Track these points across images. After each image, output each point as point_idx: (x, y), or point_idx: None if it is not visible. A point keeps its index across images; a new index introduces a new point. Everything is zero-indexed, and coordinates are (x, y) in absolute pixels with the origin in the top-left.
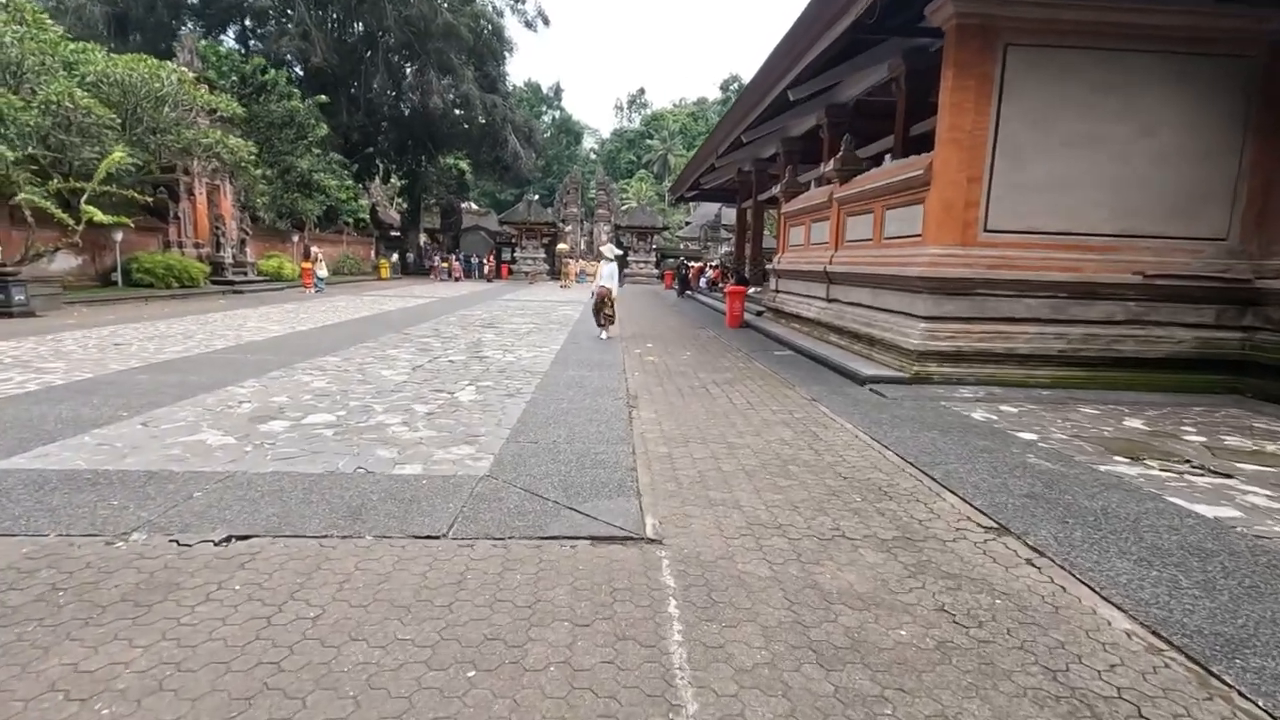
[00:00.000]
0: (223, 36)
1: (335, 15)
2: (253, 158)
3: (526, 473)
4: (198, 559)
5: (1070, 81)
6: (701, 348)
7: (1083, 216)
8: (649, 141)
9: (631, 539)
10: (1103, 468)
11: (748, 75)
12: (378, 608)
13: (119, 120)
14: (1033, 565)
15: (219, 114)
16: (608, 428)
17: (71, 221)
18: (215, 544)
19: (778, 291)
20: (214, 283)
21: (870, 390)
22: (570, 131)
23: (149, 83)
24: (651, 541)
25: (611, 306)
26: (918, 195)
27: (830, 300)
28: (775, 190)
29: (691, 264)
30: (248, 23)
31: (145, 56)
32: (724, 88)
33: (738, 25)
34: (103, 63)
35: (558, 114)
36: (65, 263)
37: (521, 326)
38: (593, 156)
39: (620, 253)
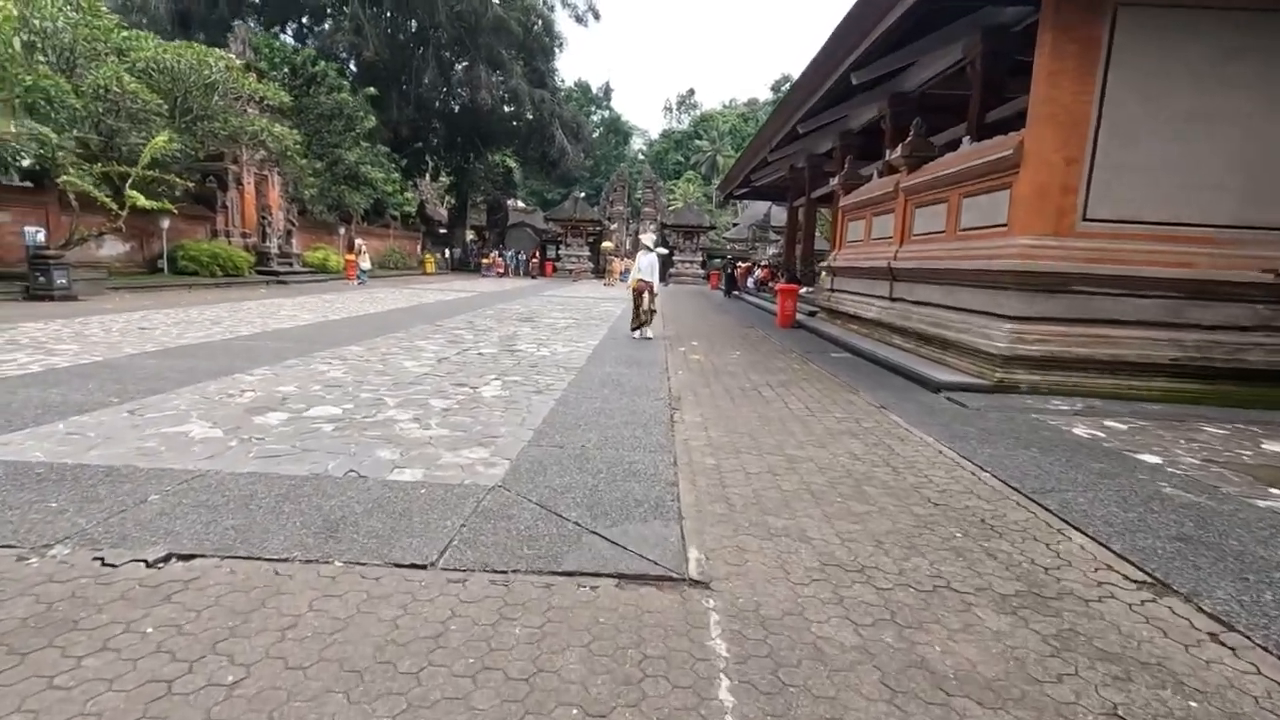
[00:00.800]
0: (282, 34)
1: (388, 11)
2: (298, 146)
3: (546, 484)
4: (117, 585)
5: (1192, 46)
6: (751, 347)
7: (1201, 204)
8: (697, 142)
9: (670, 579)
10: (1261, 503)
11: (799, 75)
12: (321, 673)
13: (167, 107)
14: (1222, 644)
15: (266, 102)
16: (645, 432)
17: (115, 206)
18: (148, 564)
19: (833, 290)
20: (259, 273)
21: (946, 399)
22: (619, 131)
23: (197, 70)
24: (696, 584)
25: (651, 302)
26: (1003, 180)
27: (894, 299)
28: (833, 184)
29: (739, 264)
30: (304, 20)
31: (193, 44)
32: (775, 88)
33: (790, 25)
34: (152, 49)
35: (606, 114)
36: (113, 248)
37: (560, 321)
38: (640, 157)
39: (665, 250)
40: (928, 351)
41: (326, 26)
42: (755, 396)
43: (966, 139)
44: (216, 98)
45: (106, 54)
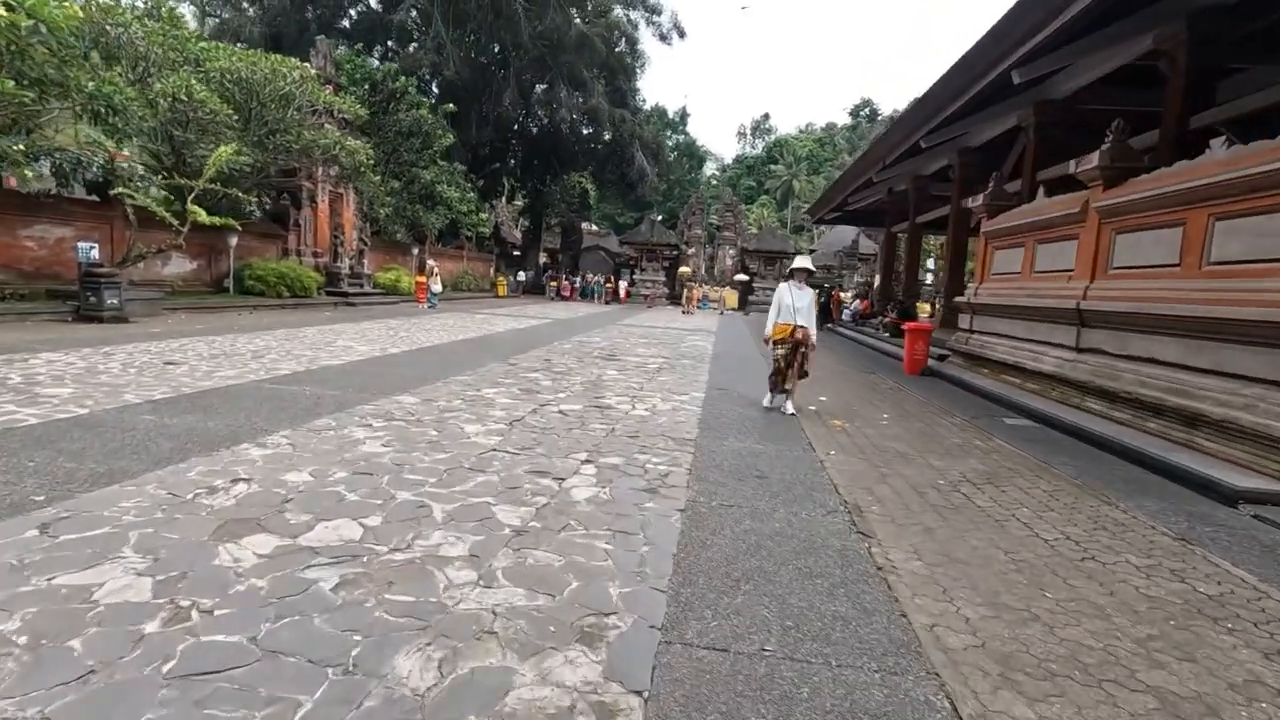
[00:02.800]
0: (369, 58)
1: (471, 32)
2: (371, 161)
3: None
4: None
5: None
6: (897, 406)
7: None
8: (772, 167)
9: None
10: None
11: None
12: None
13: (239, 119)
14: None
15: (342, 116)
16: (850, 601)
17: (176, 222)
18: None
19: (972, 331)
20: (328, 293)
21: (1255, 517)
22: (693, 156)
23: (271, 80)
24: None
25: (807, 362)
26: None
27: (1083, 350)
28: (971, 204)
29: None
30: (390, 43)
31: (268, 54)
32: (854, 113)
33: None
34: (224, 59)
35: (682, 138)
36: (179, 266)
37: (649, 360)
38: (713, 182)
39: (745, 277)
40: (1157, 426)
41: (411, 49)
42: (968, 507)
43: (1217, 143)
44: (292, 111)
45: (181, 64)
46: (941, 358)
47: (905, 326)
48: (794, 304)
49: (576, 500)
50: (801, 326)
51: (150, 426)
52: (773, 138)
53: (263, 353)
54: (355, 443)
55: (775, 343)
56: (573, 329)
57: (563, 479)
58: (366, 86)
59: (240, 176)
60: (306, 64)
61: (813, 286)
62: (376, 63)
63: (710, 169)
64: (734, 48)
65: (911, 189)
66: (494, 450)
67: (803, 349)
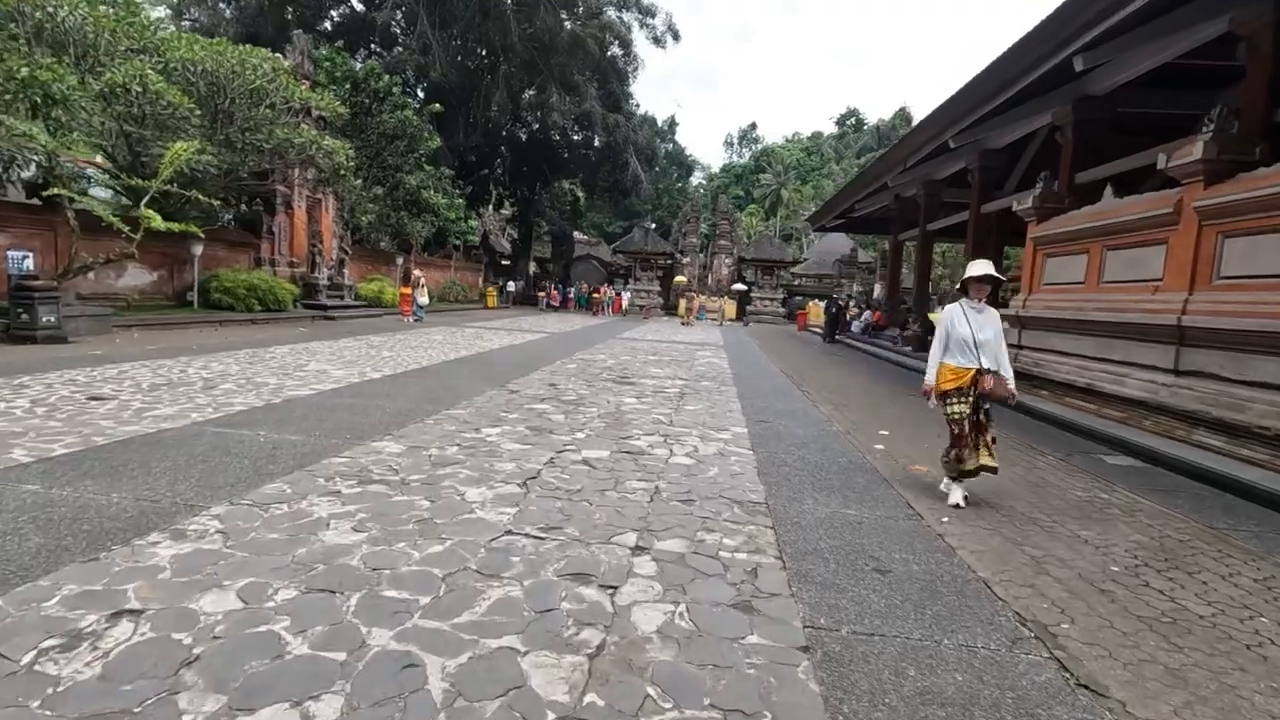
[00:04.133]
0: (351, 59)
1: (458, 35)
2: (352, 163)
3: None
4: None
5: None
6: None
7: None
8: (761, 176)
9: None
10: None
11: (866, 109)
12: None
13: (202, 114)
14: None
15: (319, 114)
16: None
17: (127, 228)
18: None
19: (1020, 347)
20: (305, 306)
21: None
22: (682, 165)
23: (240, 74)
24: None
25: (989, 427)
26: None
27: (1184, 373)
28: (1017, 207)
29: (843, 302)
30: (375, 46)
31: (236, 44)
32: (840, 122)
33: (854, 61)
34: (187, 49)
35: (670, 146)
36: (136, 278)
37: (666, 384)
38: (701, 191)
39: (743, 287)
40: None
41: (396, 51)
42: (1185, 617)
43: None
44: (264, 108)
45: (138, 54)
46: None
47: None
48: (973, 334)
49: (644, 635)
50: (990, 372)
51: (23, 506)
52: (760, 147)
53: (217, 381)
54: (315, 526)
55: (948, 397)
56: (572, 344)
57: (614, 588)
58: (348, 86)
59: (206, 179)
60: (279, 55)
61: (819, 298)
62: (359, 65)
63: (697, 178)
64: (720, 58)
65: (922, 194)
66: (509, 534)
67: (987, 405)
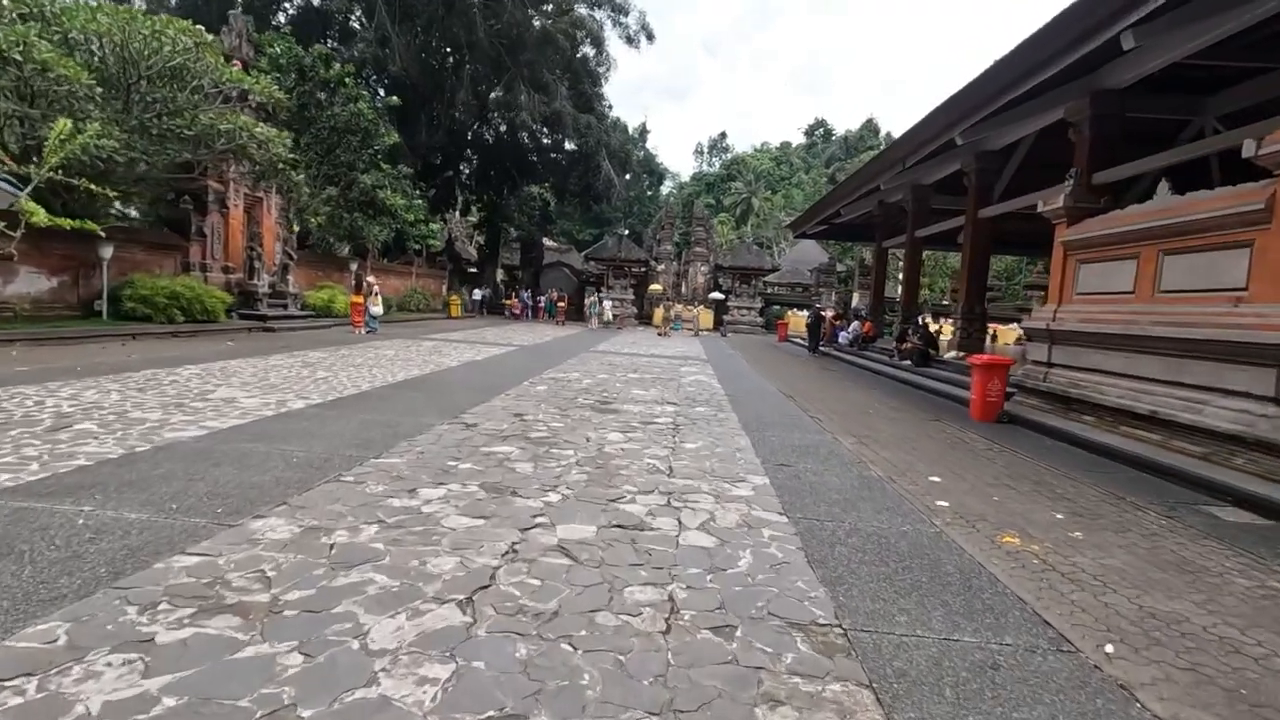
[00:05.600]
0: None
1: (420, 29)
2: (292, 157)
3: None
4: None
5: None
6: (1041, 488)
7: None
8: (732, 184)
9: None
10: None
11: (834, 119)
12: None
13: (116, 96)
14: None
15: (256, 100)
16: None
17: (2, 225)
18: None
19: (1050, 365)
20: (242, 316)
21: None
22: (653, 173)
23: (156, 48)
24: None
25: None
26: None
27: None
28: (1043, 208)
29: (828, 313)
30: (332, 43)
31: (149, 14)
32: (809, 133)
33: (821, 73)
34: (85, 16)
35: (641, 154)
36: (29, 284)
37: (655, 410)
38: (671, 199)
39: (721, 295)
40: None
41: (354, 44)
42: None
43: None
44: (188, 92)
45: (25, 19)
46: (1008, 395)
47: (973, 360)
48: None
49: None
50: None
51: None
52: (730, 156)
53: (75, 418)
54: None
55: None
56: (542, 358)
57: None
58: (294, 75)
59: (115, 169)
60: (201, 28)
61: (798, 307)
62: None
63: (668, 186)
64: (687, 71)
65: (910, 199)
66: None
67: None
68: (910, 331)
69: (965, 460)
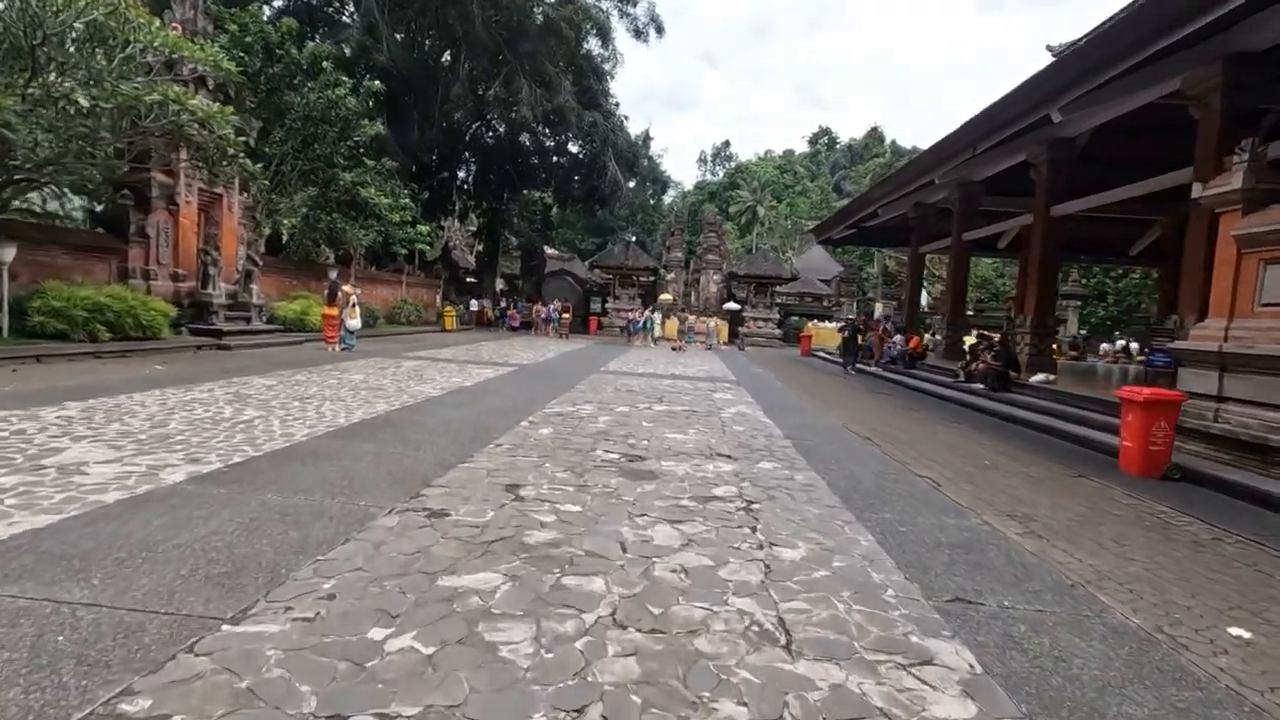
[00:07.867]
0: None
1: (412, 18)
2: (243, 140)
3: None
4: None
5: None
6: None
7: None
8: (737, 193)
9: None
10: None
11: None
12: None
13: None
14: None
15: (189, 68)
16: None
17: None
18: None
19: (1221, 399)
20: (194, 332)
21: None
22: (657, 180)
23: (64, 2)
24: None
25: None
26: None
27: None
28: (1203, 194)
29: (871, 325)
30: (319, 39)
31: None
32: (813, 141)
33: (823, 81)
34: None
35: (645, 162)
36: None
37: (707, 469)
38: (675, 207)
39: (735, 306)
40: None
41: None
42: None
43: None
44: (116, 60)
45: None
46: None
47: (1126, 394)
48: None
49: None
50: None
51: None
52: (734, 164)
53: None
54: None
55: None
56: (545, 382)
57: None
58: (261, 55)
59: (13, 150)
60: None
61: (821, 318)
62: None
63: (671, 195)
64: (689, 82)
65: (957, 198)
66: None
67: None
68: (984, 349)
69: (1216, 565)
